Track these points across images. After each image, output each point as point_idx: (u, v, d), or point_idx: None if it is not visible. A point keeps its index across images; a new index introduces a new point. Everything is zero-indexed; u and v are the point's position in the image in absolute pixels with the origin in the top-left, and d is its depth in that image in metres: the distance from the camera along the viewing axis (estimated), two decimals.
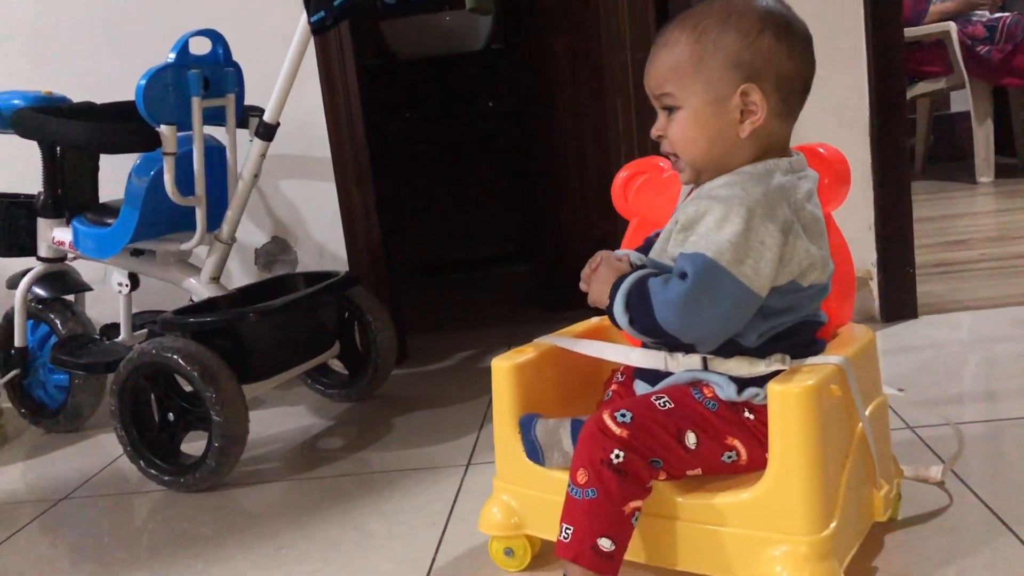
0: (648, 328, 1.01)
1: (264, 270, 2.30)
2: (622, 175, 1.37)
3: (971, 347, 1.94)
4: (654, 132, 1.06)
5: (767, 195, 0.97)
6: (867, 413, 1.09)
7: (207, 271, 1.86)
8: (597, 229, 2.53)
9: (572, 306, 2.64)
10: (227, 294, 1.86)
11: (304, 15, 1.61)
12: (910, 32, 3.96)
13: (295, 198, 2.29)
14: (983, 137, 4.12)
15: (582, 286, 1.11)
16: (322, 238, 2.29)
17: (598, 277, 1.08)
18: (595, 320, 1.35)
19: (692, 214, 0.99)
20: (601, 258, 1.11)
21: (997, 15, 4.12)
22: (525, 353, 1.23)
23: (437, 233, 3.58)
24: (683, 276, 0.97)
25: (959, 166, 4.54)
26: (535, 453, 1.14)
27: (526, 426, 1.15)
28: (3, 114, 1.83)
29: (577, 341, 1.23)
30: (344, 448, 1.82)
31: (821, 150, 1.18)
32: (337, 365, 2.09)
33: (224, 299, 1.84)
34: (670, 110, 1.03)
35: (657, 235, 1.11)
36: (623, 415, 1.00)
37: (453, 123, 3.55)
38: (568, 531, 0.99)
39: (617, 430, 0.99)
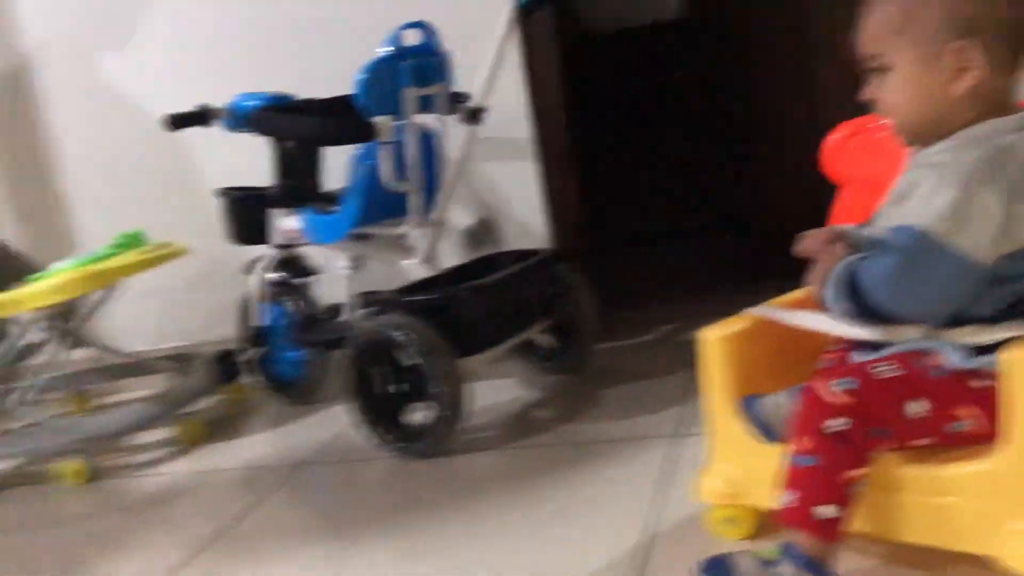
0: (867, 313, 0.98)
1: (471, 249, 2.39)
2: (835, 137, 1.34)
3: None
4: (863, 96, 1.03)
5: (985, 159, 0.92)
6: None
7: (421, 252, 1.97)
8: (804, 198, 2.44)
9: (776, 276, 2.59)
10: (441, 273, 1.96)
11: None
12: None
13: (498, 179, 2.37)
14: None
15: (798, 251, 1.09)
16: (525, 217, 2.35)
17: (816, 268, 1.06)
18: (802, 291, 1.32)
19: (907, 183, 0.96)
20: (820, 244, 1.08)
21: None
22: (734, 325, 1.23)
23: (640, 204, 3.58)
24: (891, 250, 0.94)
25: None
26: (767, 432, 1.13)
27: (750, 407, 1.15)
28: (240, 114, 2.00)
29: (789, 312, 1.21)
30: (554, 419, 1.88)
31: None
32: (545, 340, 2.15)
33: (438, 278, 1.94)
34: (881, 72, 1.00)
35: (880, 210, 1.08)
36: (846, 382, 0.99)
37: (649, 93, 3.53)
38: (791, 497, 0.99)
39: (839, 397, 0.98)
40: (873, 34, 0.99)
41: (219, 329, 2.37)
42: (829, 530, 0.97)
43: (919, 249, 0.92)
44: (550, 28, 2.21)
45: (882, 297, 0.95)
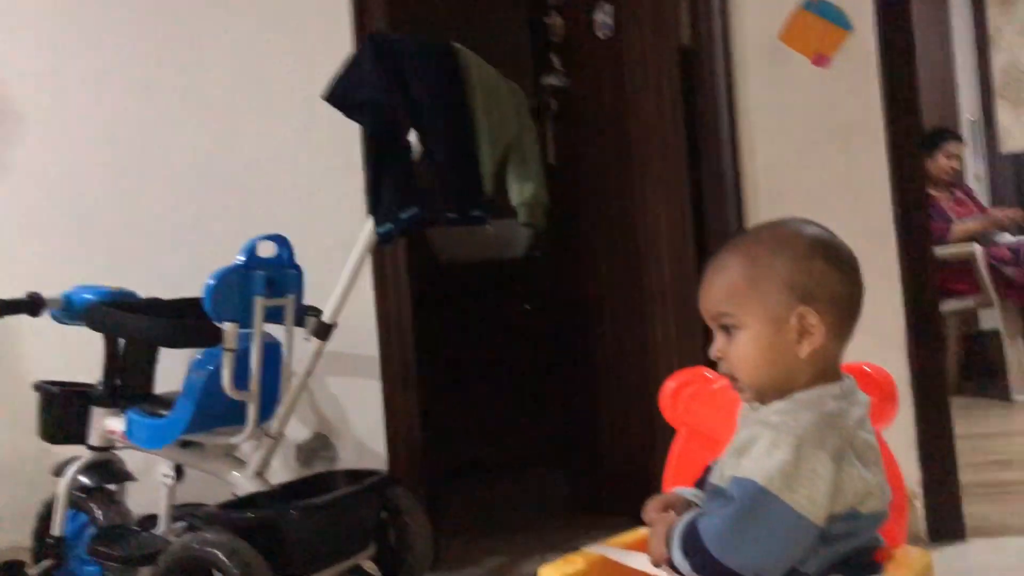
0: (712, 569, 0.98)
1: (304, 466, 2.31)
2: (671, 385, 1.40)
3: None
4: (713, 352, 1.08)
5: (817, 424, 0.98)
6: None
7: (253, 465, 1.88)
8: (637, 437, 2.54)
9: (608, 512, 2.63)
10: (269, 490, 1.87)
11: (370, 225, 1.73)
12: (938, 252, 4.08)
13: (340, 395, 2.34)
14: (1016, 356, 4.14)
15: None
16: (363, 435, 2.32)
17: (654, 534, 1.08)
18: (644, 530, 1.34)
19: (745, 439, 1.01)
20: (653, 514, 1.11)
21: (1020, 237, 4.25)
22: (574, 563, 1.22)
23: (472, 433, 3.58)
24: (730, 502, 0.98)
25: (992, 383, 4.53)
26: None
27: None
28: (75, 307, 1.93)
29: (627, 553, 1.21)
30: None
31: (867, 368, 1.21)
32: (370, 567, 2.05)
33: (266, 495, 1.85)
34: (728, 331, 1.06)
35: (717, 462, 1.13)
36: None
37: (492, 325, 3.63)
38: None
39: None
40: (720, 295, 1.05)
41: (12, 535, 2.14)
42: None
43: (756, 502, 0.95)
44: (402, 253, 2.29)
45: (722, 548, 0.96)
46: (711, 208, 2.26)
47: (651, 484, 2.43)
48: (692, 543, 0.99)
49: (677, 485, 1.36)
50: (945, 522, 2.09)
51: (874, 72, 2.16)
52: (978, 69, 5.19)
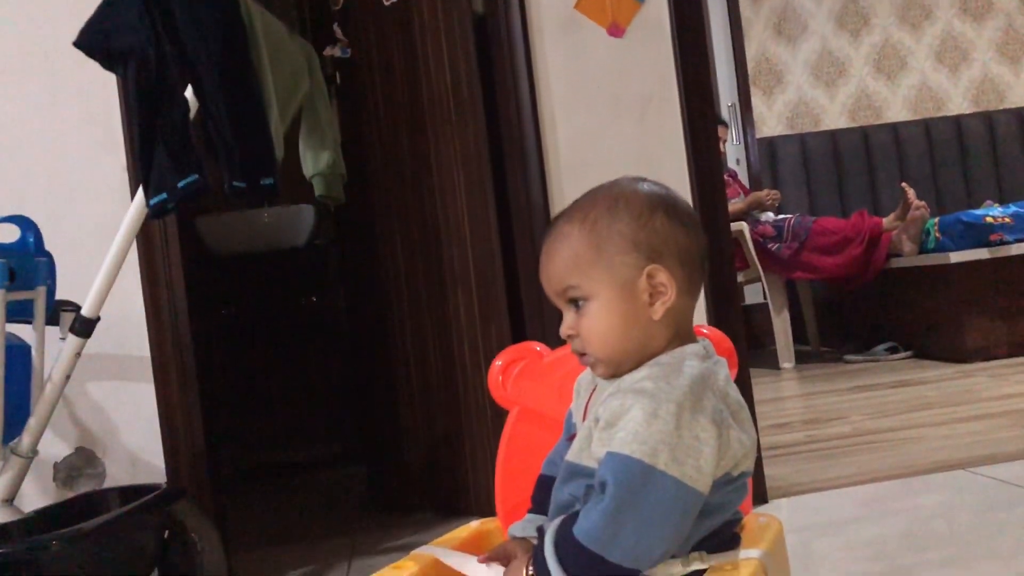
0: (599, 571, 0.87)
1: (64, 487, 1.99)
2: (498, 363, 1.29)
3: (828, 529, 1.95)
4: (564, 331, 0.99)
5: (692, 387, 0.90)
6: None
7: (0, 491, 1.58)
8: (440, 426, 2.41)
9: (413, 508, 2.49)
10: (22, 518, 1.57)
11: (139, 197, 1.47)
12: None
13: (105, 402, 2.04)
14: (782, 326, 4.43)
15: None
16: (136, 446, 2.03)
17: (510, 572, 0.96)
18: (475, 524, 1.23)
19: (616, 408, 0.91)
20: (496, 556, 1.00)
21: (782, 216, 4.55)
22: (405, 569, 1.08)
23: (260, 435, 3.33)
24: (608, 487, 0.87)
25: (758, 354, 4.82)
26: None
27: None
28: None
29: (462, 556, 1.08)
30: None
31: (705, 330, 1.15)
32: None
33: (17, 524, 1.55)
34: (577, 304, 0.97)
35: (564, 444, 1.03)
36: None
37: (276, 318, 3.39)
38: None
39: None
40: (563, 266, 0.97)
41: None
42: None
43: (642, 480, 0.86)
44: (174, 239, 2.03)
45: (608, 542, 0.86)
46: (513, 182, 2.17)
47: (457, 476, 2.35)
48: (576, 558, 0.88)
49: (511, 466, 1.26)
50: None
51: (668, 44, 2.16)
52: (733, 59, 5.51)
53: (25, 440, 1.59)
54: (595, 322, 0.96)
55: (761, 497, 2.13)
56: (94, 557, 1.50)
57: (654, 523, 0.85)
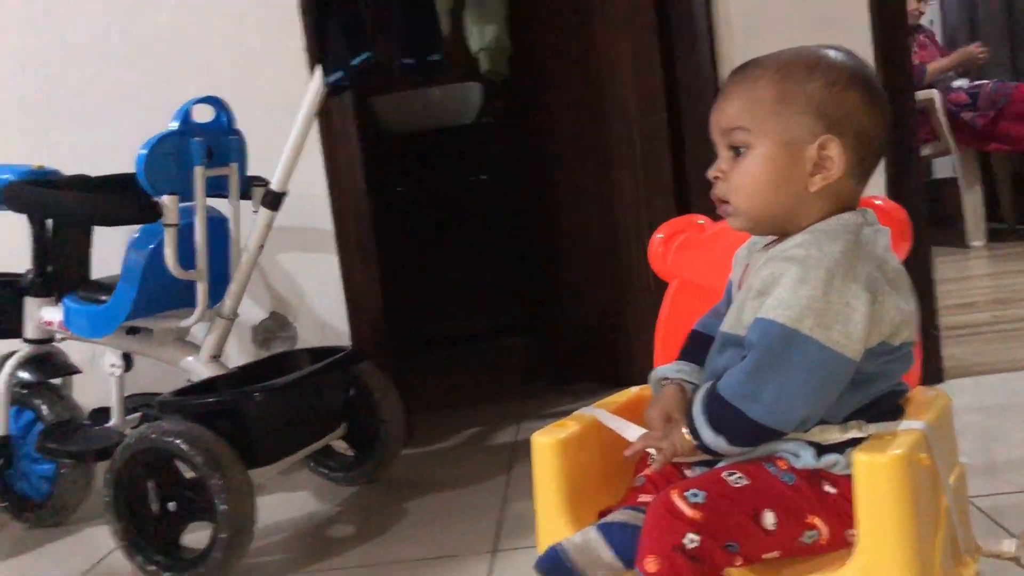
0: (751, 435, 0.90)
1: (262, 347, 2.19)
2: (659, 236, 1.30)
3: (1007, 411, 1.87)
4: (712, 172, 0.98)
5: (846, 253, 0.89)
6: (950, 483, 1.01)
7: (207, 349, 1.76)
8: (602, 299, 2.45)
9: (575, 378, 2.57)
10: (227, 373, 1.76)
11: (318, 76, 1.55)
12: None
13: (294, 271, 2.20)
14: (972, 202, 4.13)
15: (654, 452, 0.99)
16: (323, 313, 2.20)
17: (668, 433, 0.97)
18: (635, 390, 1.27)
19: (767, 277, 0.91)
20: (656, 437, 0.99)
21: (978, 82, 4.18)
22: (567, 427, 1.13)
23: (435, 307, 3.49)
24: (753, 351, 0.89)
25: (947, 232, 4.54)
26: None
27: (553, 561, 1.00)
28: None
29: (623, 423, 1.12)
30: (354, 537, 1.69)
31: (879, 202, 1.11)
32: (341, 447, 1.98)
33: (225, 379, 1.74)
34: (737, 151, 0.96)
35: (722, 305, 1.03)
36: (695, 495, 0.90)
37: (447, 196, 3.50)
38: None
39: (690, 512, 0.89)
40: (739, 107, 0.95)
41: None
42: None
43: (784, 344, 0.87)
44: (350, 118, 2.11)
45: (750, 403, 0.88)
46: (681, 54, 2.11)
47: (619, 348, 2.40)
48: (719, 413, 0.91)
49: (670, 338, 1.27)
50: (924, 366, 2.05)
51: None
52: None
53: (227, 303, 1.76)
54: (749, 171, 0.95)
55: (936, 376, 2.06)
56: (289, 408, 1.66)
57: (795, 384, 0.86)
